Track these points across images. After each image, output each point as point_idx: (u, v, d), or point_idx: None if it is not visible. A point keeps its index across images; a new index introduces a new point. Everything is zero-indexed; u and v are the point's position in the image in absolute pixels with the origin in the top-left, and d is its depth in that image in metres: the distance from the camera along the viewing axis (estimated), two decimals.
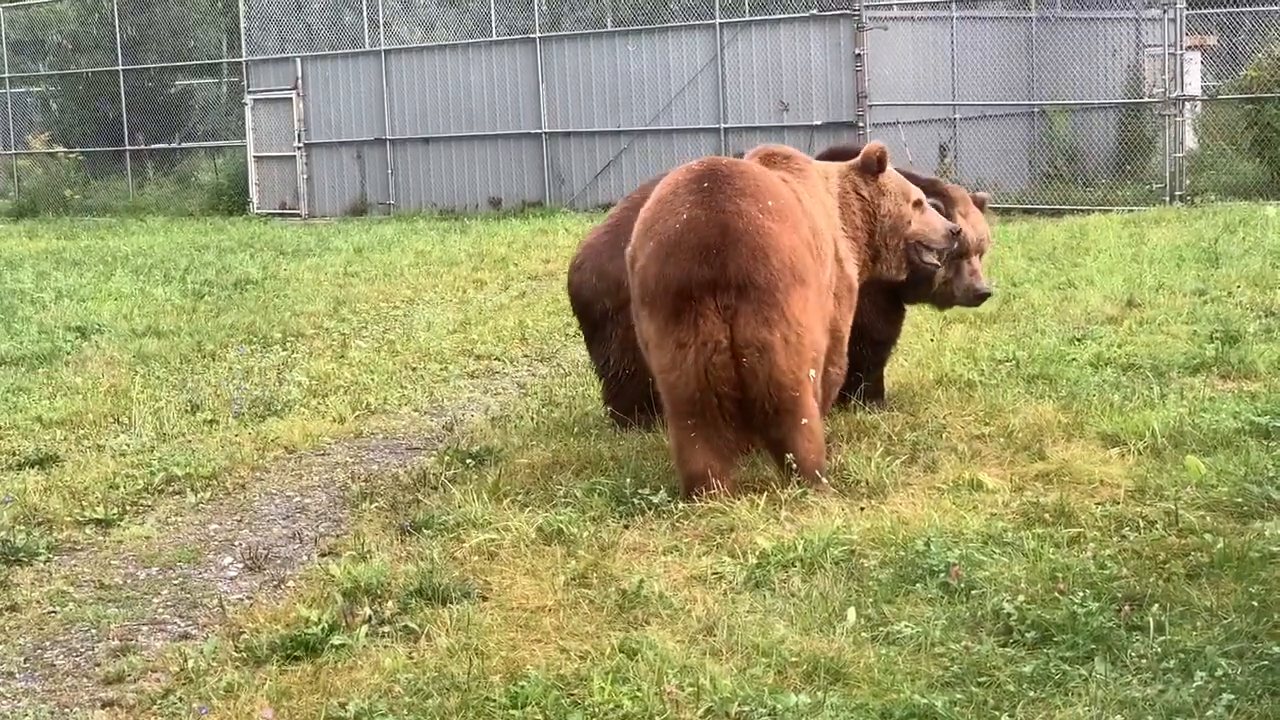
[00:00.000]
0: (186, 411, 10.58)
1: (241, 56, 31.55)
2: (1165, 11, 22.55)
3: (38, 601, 6.74)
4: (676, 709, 5.10)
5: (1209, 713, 4.86)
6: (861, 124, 24.15)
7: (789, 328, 7.36)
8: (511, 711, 5.13)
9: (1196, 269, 14.57)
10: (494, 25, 28.65)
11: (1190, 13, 23.64)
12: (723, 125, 25.34)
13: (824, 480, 7.59)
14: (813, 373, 7.57)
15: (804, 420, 7.53)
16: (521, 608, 6.20)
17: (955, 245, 9.00)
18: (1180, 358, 10.36)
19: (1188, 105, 23.77)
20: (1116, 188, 23.33)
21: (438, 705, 5.20)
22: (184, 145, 34.84)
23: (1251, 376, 9.81)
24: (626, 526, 7.21)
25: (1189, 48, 23.92)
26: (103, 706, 5.53)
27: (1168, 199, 21.94)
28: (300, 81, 30.50)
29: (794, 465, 7.51)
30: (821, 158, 9.24)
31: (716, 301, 7.31)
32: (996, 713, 4.97)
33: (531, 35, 27.76)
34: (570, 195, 27.04)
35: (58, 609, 6.65)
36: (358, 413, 10.51)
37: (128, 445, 9.61)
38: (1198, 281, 13.76)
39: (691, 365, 7.36)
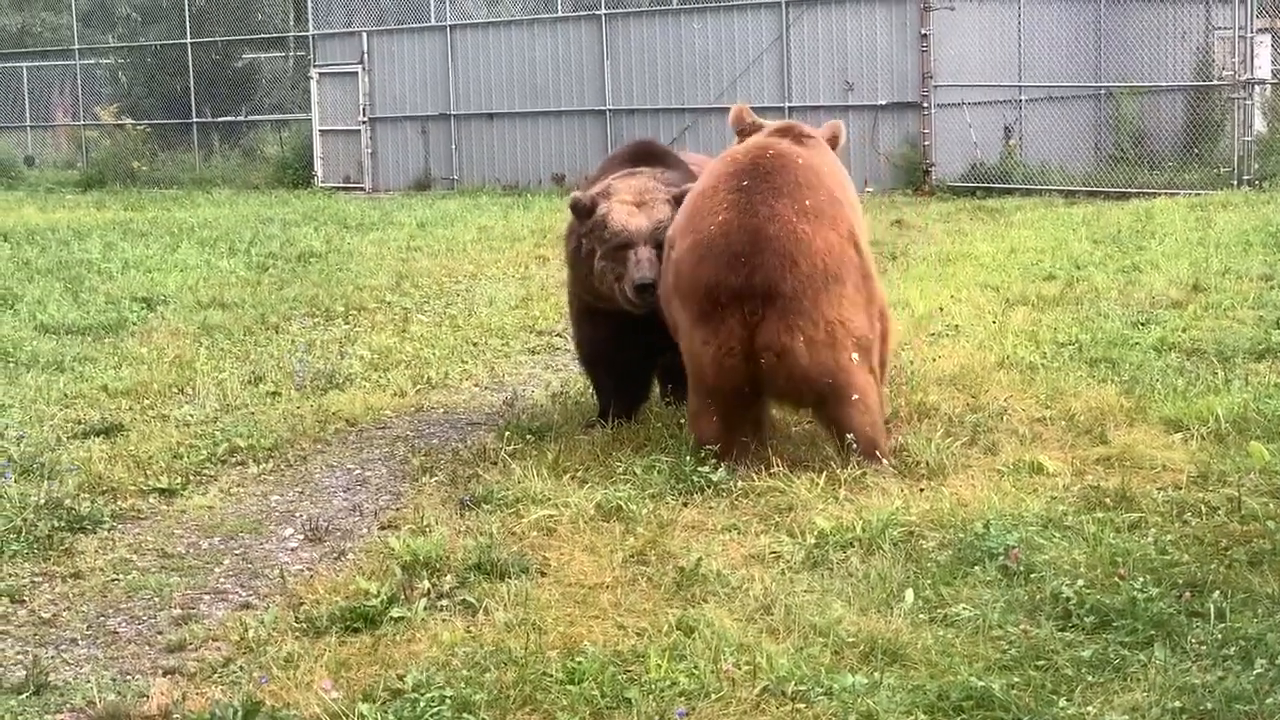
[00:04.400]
0: (249, 383, 10.65)
1: (308, 30, 31.68)
2: None
3: (101, 569, 6.80)
4: (733, 687, 5.10)
5: (1269, 700, 4.82)
6: (926, 105, 24.04)
7: (816, 328, 7.50)
8: (568, 687, 5.15)
9: (1263, 254, 14.44)
10: (559, 1, 28.65)
11: None
12: (787, 104, 25.25)
13: (884, 461, 7.60)
14: (855, 356, 7.62)
15: (854, 396, 7.61)
16: (579, 584, 6.21)
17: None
18: (1245, 343, 10.27)
19: (1257, 88, 23.52)
20: (1183, 171, 23.11)
21: (495, 679, 5.22)
22: (250, 118, 35.04)
23: None
24: (685, 504, 7.21)
25: (1260, 30, 23.66)
26: (164, 674, 5.57)
27: (1235, 183, 21.74)
28: (366, 56, 30.59)
29: (853, 443, 7.55)
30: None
31: (743, 309, 7.51)
32: (1054, 697, 4.95)
33: (597, 11, 27.74)
34: None
35: (121, 577, 6.71)
36: (419, 387, 10.56)
37: (191, 416, 9.69)
38: (1264, 266, 13.63)
39: (711, 361, 7.63)
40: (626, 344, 8.79)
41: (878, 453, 7.62)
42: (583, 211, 8.71)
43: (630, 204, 8.62)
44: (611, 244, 8.53)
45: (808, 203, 7.63)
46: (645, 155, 9.30)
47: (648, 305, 8.44)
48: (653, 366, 9.08)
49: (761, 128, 8.54)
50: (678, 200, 8.55)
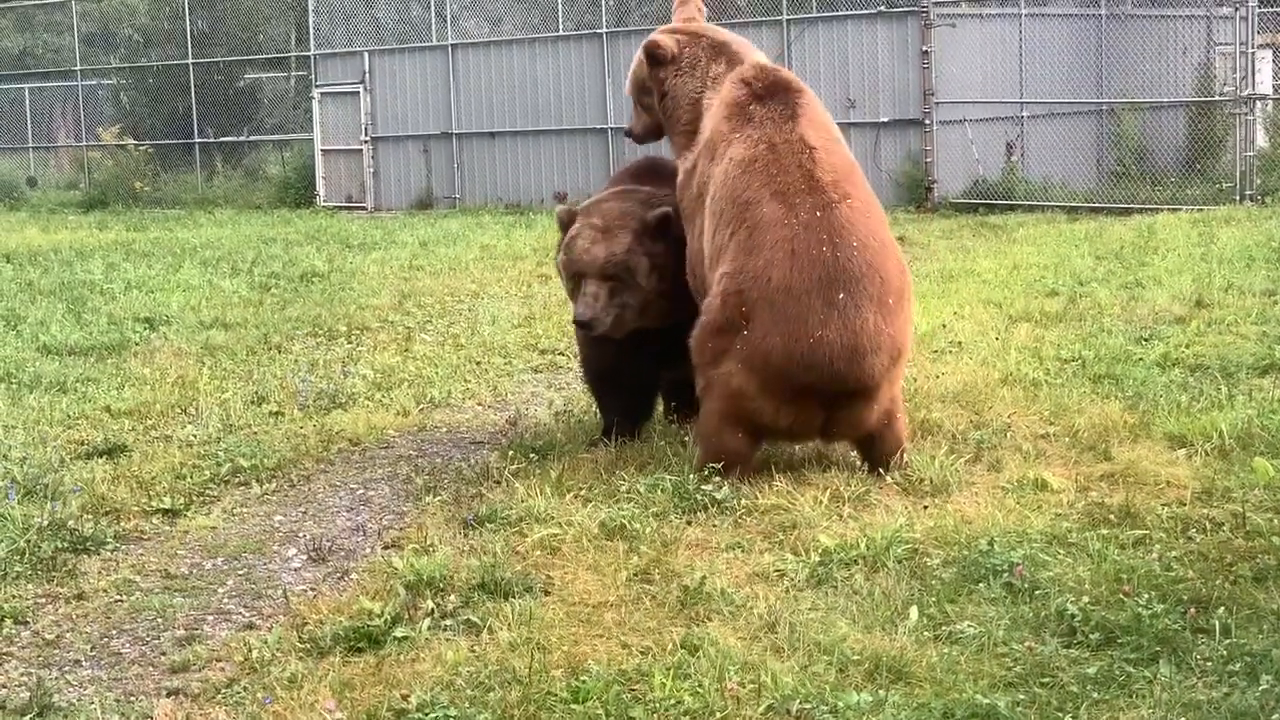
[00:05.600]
0: (252, 403, 10.64)
1: (309, 50, 31.73)
2: (1237, 9, 22.33)
3: (104, 590, 6.79)
4: (738, 706, 5.10)
5: (1274, 716, 4.81)
6: (928, 122, 24.06)
7: (882, 401, 7.84)
8: (573, 706, 5.14)
9: (1266, 269, 14.44)
10: (561, 20, 28.70)
11: (1262, 10, 23.41)
12: None
13: (888, 477, 7.68)
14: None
15: (898, 414, 8.00)
16: (583, 603, 6.21)
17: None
18: (1249, 359, 10.27)
19: (1259, 104, 23.55)
20: (1186, 186, 23.11)
21: (499, 698, 5.22)
22: (252, 138, 35.11)
23: None
24: (689, 523, 7.20)
25: (1261, 46, 23.69)
26: (168, 695, 5.57)
27: (1238, 198, 21.74)
28: (367, 75, 30.64)
29: (888, 454, 7.91)
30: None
31: (828, 401, 7.72)
32: (1060, 714, 4.94)
33: (598, 30, 27.79)
34: None
35: (124, 598, 6.71)
36: (421, 406, 10.55)
37: (194, 436, 9.68)
38: (1267, 282, 13.63)
39: (782, 426, 7.83)
40: (633, 359, 8.76)
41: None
42: (562, 227, 8.79)
43: (596, 230, 8.57)
44: (567, 271, 8.66)
45: (891, 301, 7.74)
46: (650, 173, 9.26)
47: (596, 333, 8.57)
48: (659, 382, 9.06)
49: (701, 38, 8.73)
50: (648, 227, 8.50)
